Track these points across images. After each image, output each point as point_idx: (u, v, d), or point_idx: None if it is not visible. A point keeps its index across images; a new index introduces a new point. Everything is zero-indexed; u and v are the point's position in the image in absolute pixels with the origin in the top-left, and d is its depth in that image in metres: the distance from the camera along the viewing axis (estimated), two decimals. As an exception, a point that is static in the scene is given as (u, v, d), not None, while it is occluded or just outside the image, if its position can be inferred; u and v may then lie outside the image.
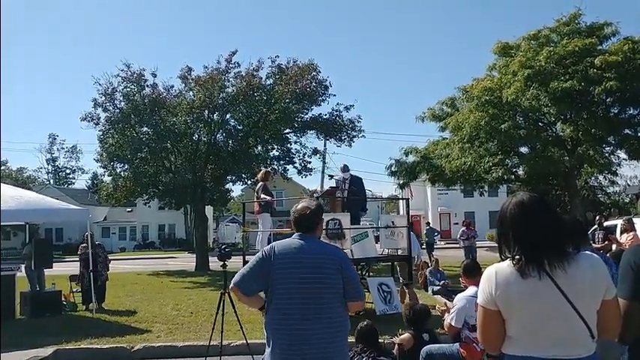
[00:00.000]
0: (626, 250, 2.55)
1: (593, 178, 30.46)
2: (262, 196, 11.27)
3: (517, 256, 2.30)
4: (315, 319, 3.47)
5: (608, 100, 19.20)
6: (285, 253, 3.59)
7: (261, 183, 11.58)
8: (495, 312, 2.31)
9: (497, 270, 2.35)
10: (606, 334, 2.32)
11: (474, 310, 5.13)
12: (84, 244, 13.30)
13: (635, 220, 12.80)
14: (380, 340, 5.97)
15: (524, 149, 20.94)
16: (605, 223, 14.20)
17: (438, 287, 13.75)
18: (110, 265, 14.05)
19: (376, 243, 12.25)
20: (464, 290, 5.74)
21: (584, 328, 2.23)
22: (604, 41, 19.29)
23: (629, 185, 47.25)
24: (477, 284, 5.46)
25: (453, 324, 5.23)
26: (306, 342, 3.43)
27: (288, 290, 3.50)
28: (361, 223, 12.46)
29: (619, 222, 12.82)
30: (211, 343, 7.13)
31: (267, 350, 3.55)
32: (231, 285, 3.63)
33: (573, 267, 2.25)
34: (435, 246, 24.35)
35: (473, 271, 5.41)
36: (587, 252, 2.38)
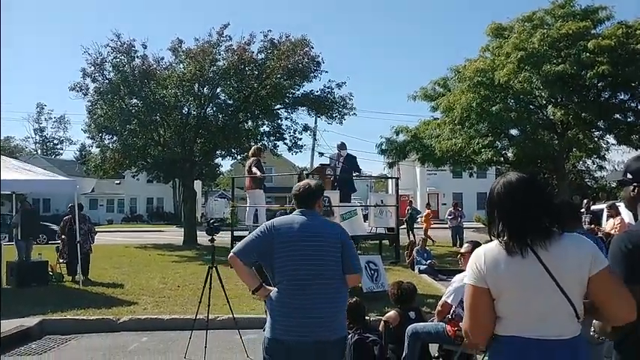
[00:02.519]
0: (614, 236, 2.56)
1: (581, 162, 30.68)
2: (254, 170, 11.21)
3: (503, 235, 2.33)
4: (317, 293, 3.53)
5: (599, 84, 19.24)
6: (287, 228, 3.64)
7: (253, 158, 11.51)
8: (485, 290, 2.33)
9: (486, 250, 2.39)
10: (613, 314, 2.27)
11: None
12: (67, 217, 13.24)
13: (617, 204, 12.94)
14: (366, 318, 6.01)
15: (514, 131, 21.00)
16: (592, 207, 14.33)
17: (425, 266, 13.85)
18: (96, 237, 13.99)
19: (365, 221, 12.30)
20: (457, 272, 5.78)
21: (569, 306, 2.25)
22: (598, 25, 19.27)
23: (616, 170, 47.64)
24: None
25: (449, 301, 5.26)
26: (308, 316, 3.49)
27: (290, 265, 3.55)
28: (352, 201, 12.48)
29: (605, 206, 12.92)
30: (198, 317, 7.15)
31: (268, 322, 3.60)
32: (231, 254, 3.64)
33: (557, 245, 2.28)
34: (419, 225, 24.36)
35: None
36: (574, 233, 2.39)
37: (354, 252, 3.82)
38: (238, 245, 3.68)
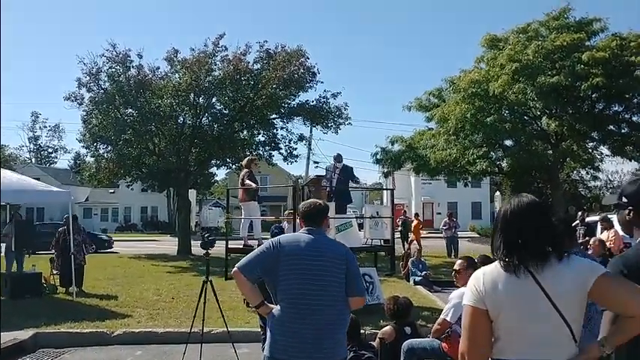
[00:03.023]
0: (610, 261, 2.57)
1: (575, 172, 30.79)
2: (247, 182, 11.18)
3: (504, 255, 2.35)
4: (318, 320, 3.51)
5: (593, 95, 19.30)
6: (293, 246, 3.63)
7: (245, 170, 11.48)
8: (484, 311, 2.34)
9: (485, 271, 2.41)
10: (631, 309, 2.24)
11: None
12: (62, 228, 13.14)
13: (610, 216, 12.99)
14: (361, 331, 5.99)
15: (508, 142, 21.02)
16: (587, 219, 14.36)
17: (420, 278, 13.84)
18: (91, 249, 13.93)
19: (360, 230, 12.25)
20: (452, 283, 5.76)
21: (566, 328, 2.26)
22: (592, 37, 19.33)
23: (610, 180, 47.89)
24: None
25: (447, 319, 5.23)
26: (307, 342, 3.47)
27: (294, 284, 3.53)
28: (347, 211, 12.46)
29: (598, 219, 12.95)
30: (192, 330, 7.12)
31: (268, 340, 3.59)
32: (235, 269, 3.60)
33: (554, 269, 2.29)
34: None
35: None
36: (573, 255, 2.39)
37: (359, 273, 3.79)
38: (243, 260, 3.65)
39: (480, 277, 2.39)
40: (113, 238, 30.71)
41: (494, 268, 2.38)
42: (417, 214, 23.85)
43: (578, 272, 2.29)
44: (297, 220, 3.97)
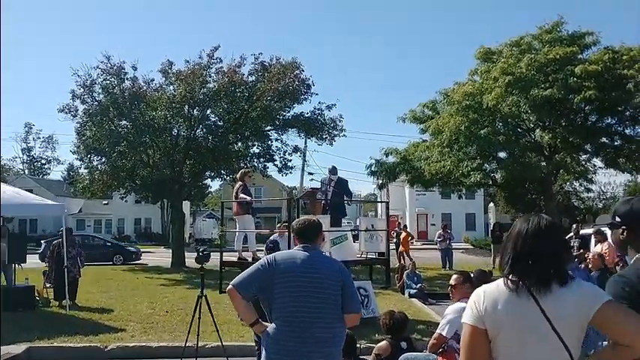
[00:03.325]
0: (609, 280, 2.58)
1: (568, 184, 30.90)
2: (241, 195, 11.16)
3: (509, 273, 2.33)
4: (317, 330, 3.49)
5: (586, 108, 19.48)
6: (288, 264, 3.60)
7: (239, 183, 11.45)
8: (482, 331, 2.32)
9: (486, 290, 2.39)
10: (631, 340, 2.22)
11: None
12: (56, 241, 13.06)
13: (604, 229, 13.03)
14: (357, 345, 5.97)
15: (502, 154, 21.14)
16: (581, 232, 14.40)
17: (415, 290, 13.82)
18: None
19: (355, 241, 12.24)
20: (446, 296, 5.74)
21: (566, 352, 2.25)
22: (585, 50, 19.55)
23: (603, 192, 48.07)
24: (469, 297, 5.42)
25: (444, 334, 5.20)
26: (302, 355, 3.46)
27: (290, 302, 3.50)
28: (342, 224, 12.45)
29: (592, 232, 12.99)
30: (187, 345, 7.08)
31: (263, 357, 3.56)
32: (230, 286, 3.56)
33: (559, 292, 2.28)
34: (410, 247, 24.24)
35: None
36: (577, 279, 2.39)
37: (355, 290, 3.80)
38: (238, 278, 3.61)
39: (481, 295, 2.37)
40: (141, 250, 30.43)
41: (496, 287, 2.36)
42: (405, 226, 23.73)
43: (580, 298, 2.28)
44: (292, 236, 3.93)
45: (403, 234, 22.34)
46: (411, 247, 23.16)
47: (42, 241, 27.57)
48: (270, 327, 3.54)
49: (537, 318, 2.26)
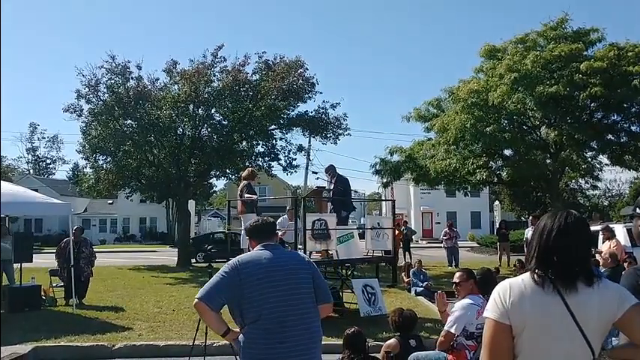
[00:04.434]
0: (624, 273, 2.56)
1: (574, 181, 30.82)
2: (246, 195, 11.15)
3: (536, 270, 2.30)
4: (295, 327, 3.42)
5: (592, 105, 19.37)
6: (255, 265, 3.48)
7: (244, 182, 11.44)
8: (507, 327, 2.28)
9: (512, 284, 2.33)
10: None
11: (475, 317, 5.11)
12: (67, 239, 13.10)
13: (612, 226, 12.95)
14: (366, 343, 5.94)
15: (508, 152, 21.06)
16: (589, 229, 14.32)
17: (421, 289, 13.77)
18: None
19: (360, 239, 12.19)
20: (453, 294, 5.72)
21: (588, 350, 2.23)
22: (590, 47, 19.42)
23: (608, 189, 47.95)
24: (474, 293, 5.41)
25: (452, 331, 5.19)
26: (287, 354, 3.38)
27: (263, 303, 3.39)
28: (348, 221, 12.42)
29: (600, 229, 12.92)
30: (194, 343, 7.06)
31: None
32: (195, 300, 3.42)
33: (583, 289, 2.25)
34: (413, 245, 24.24)
35: (487, 284, 5.19)
36: (604, 279, 2.36)
37: (324, 280, 3.76)
38: (203, 290, 3.45)
39: (507, 289, 2.31)
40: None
41: (522, 282, 2.31)
42: (397, 225, 23.64)
43: (607, 299, 2.25)
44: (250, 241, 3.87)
45: (397, 232, 22.27)
46: (414, 245, 23.10)
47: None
48: (245, 332, 3.42)
49: (562, 314, 2.23)
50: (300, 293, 3.48)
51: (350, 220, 15.80)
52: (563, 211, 2.42)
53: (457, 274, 5.65)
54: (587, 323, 2.23)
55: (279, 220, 10.59)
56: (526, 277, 2.33)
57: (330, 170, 11.74)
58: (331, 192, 11.51)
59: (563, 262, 2.27)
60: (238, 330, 3.50)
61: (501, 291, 2.33)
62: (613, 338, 2.68)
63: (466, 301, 5.30)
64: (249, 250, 10.45)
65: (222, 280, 3.45)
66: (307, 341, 3.47)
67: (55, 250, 13.51)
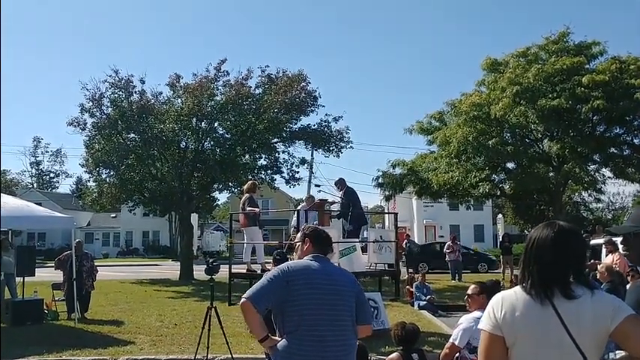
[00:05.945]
0: (629, 288, 2.56)
1: (576, 194, 30.75)
2: (249, 208, 11.18)
3: (529, 281, 2.31)
4: (334, 344, 3.41)
5: (594, 118, 19.41)
6: (303, 273, 3.49)
7: (246, 195, 11.48)
8: (500, 338, 2.30)
9: (504, 296, 2.37)
10: None
11: (479, 332, 5.08)
12: (68, 252, 13.11)
13: (615, 239, 12.90)
14: (368, 357, 5.92)
15: (510, 165, 21.08)
16: (592, 242, 14.28)
17: (424, 302, 13.72)
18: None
19: (363, 253, 12.18)
20: (457, 308, 5.71)
21: None
22: (591, 60, 19.51)
23: (612, 202, 47.81)
24: (485, 308, 5.38)
25: (456, 344, 5.17)
26: None
27: (306, 313, 3.39)
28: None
29: (603, 242, 12.87)
30: (196, 357, 7.06)
31: None
32: (243, 299, 3.39)
33: (579, 302, 2.24)
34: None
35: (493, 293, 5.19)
36: (598, 291, 2.35)
37: (367, 301, 3.74)
38: (251, 290, 3.43)
39: (499, 302, 2.34)
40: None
41: (514, 294, 2.34)
42: (407, 235, 23.66)
43: (601, 309, 2.24)
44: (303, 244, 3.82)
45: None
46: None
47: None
48: (282, 342, 3.41)
49: (555, 326, 2.23)
50: (342, 310, 3.47)
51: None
52: (552, 222, 2.43)
53: (472, 287, 5.65)
54: (580, 334, 2.22)
55: (300, 206, 10.55)
56: (519, 289, 2.35)
57: (340, 183, 11.78)
58: (338, 205, 11.54)
59: (554, 273, 2.28)
60: (277, 338, 3.47)
61: (494, 304, 2.37)
62: (610, 353, 2.67)
63: (473, 314, 5.28)
64: (250, 263, 10.43)
65: (269, 283, 3.44)
66: (341, 357, 3.46)
67: (54, 263, 13.53)
